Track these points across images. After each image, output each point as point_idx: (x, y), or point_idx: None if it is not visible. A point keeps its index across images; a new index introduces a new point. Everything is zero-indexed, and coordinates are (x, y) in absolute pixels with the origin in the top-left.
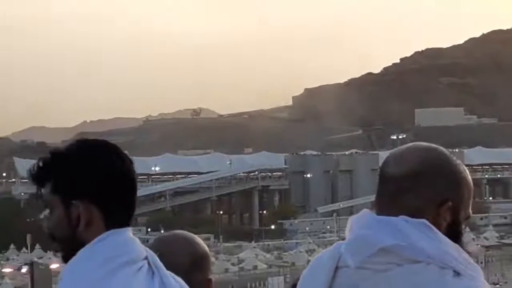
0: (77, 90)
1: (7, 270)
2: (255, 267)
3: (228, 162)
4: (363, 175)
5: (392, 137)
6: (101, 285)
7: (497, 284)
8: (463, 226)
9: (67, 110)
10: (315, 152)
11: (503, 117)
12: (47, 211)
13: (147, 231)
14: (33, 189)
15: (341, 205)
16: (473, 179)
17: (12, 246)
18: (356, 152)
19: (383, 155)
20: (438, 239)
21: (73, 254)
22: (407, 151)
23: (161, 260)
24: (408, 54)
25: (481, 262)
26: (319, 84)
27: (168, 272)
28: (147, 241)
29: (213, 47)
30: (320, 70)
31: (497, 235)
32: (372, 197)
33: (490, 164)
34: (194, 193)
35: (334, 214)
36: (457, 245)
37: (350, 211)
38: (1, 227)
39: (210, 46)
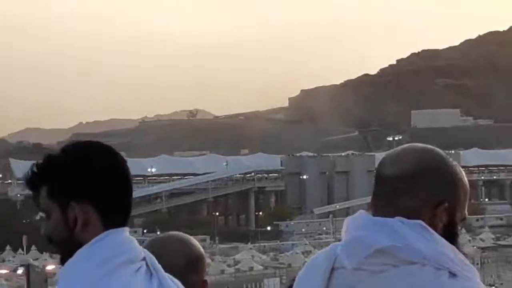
0: (73, 91)
1: (2, 271)
2: (251, 269)
3: (224, 164)
4: (359, 176)
5: (388, 138)
6: (100, 285)
7: (493, 285)
8: (459, 228)
9: (63, 111)
10: (311, 154)
11: (499, 119)
12: (43, 215)
13: (143, 233)
14: (29, 191)
15: (337, 206)
16: (469, 181)
17: (8, 247)
18: (352, 154)
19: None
20: (434, 240)
21: (71, 256)
22: (403, 152)
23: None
24: (405, 56)
25: (477, 264)
26: (315, 85)
27: (166, 274)
28: (143, 242)
29: (209, 49)
30: (316, 71)
31: (493, 236)
32: (369, 199)
33: (486, 166)
34: (190, 195)
35: (330, 216)
36: (453, 246)
37: (347, 212)
38: None
39: (207, 47)
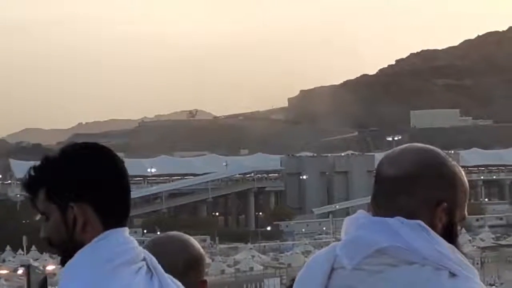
0: (73, 91)
1: (3, 271)
2: (251, 269)
3: (224, 164)
4: (358, 176)
5: (387, 138)
6: (101, 286)
7: (493, 285)
8: (459, 228)
9: (63, 111)
10: (310, 154)
11: (499, 119)
12: (43, 217)
13: (143, 233)
14: (27, 194)
15: (337, 206)
16: (468, 181)
17: (8, 247)
18: (351, 154)
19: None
20: (433, 240)
21: (71, 257)
22: (402, 153)
23: None
24: (404, 56)
25: (477, 263)
26: (314, 86)
27: (166, 274)
28: (143, 242)
29: (209, 49)
30: (315, 72)
31: (493, 236)
32: (368, 199)
33: (486, 166)
34: (190, 195)
35: (330, 216)
36: (452, 246)
37: (346, 212)
38: None
39: (206, 48)
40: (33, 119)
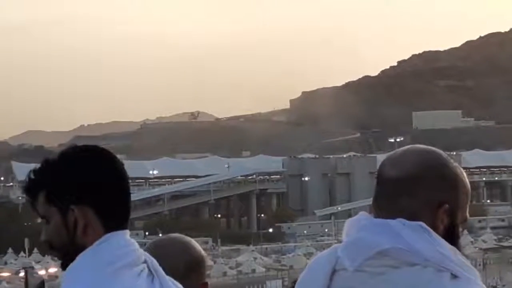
0: (75, 93)
1: (5, 274)
2: (253, 271)
3: (226, 166)
4: (361, 178)
5: (389, 140)
6: None
7: (496, 287)
8: (461, 229)
9: (65, 114)
10: (312, 155)
11: (501, 120)
12: (43, 220)
13: (144, 235)
14: (27, 197)
15: (339, 208)
16: (470, 182)
17: (10, 250)
18: (353, 155)
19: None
20: (435, 242)
21: (72, 260)
22: (404, 154)
23: None
24: (406, 57)
25: (479, 265)
26: (316, 87)
27: (167, 277)
28: (145, 245)
29: (211, 51)
30: (317, 73)
31: (495, 237)
32: (370, 200)
33: (488, 167)
34: (192, 197)
35: (332, 217)
36: (454, 247)
37: (348, 214)
38: None
39: (208, 50)
40: (35, 121)
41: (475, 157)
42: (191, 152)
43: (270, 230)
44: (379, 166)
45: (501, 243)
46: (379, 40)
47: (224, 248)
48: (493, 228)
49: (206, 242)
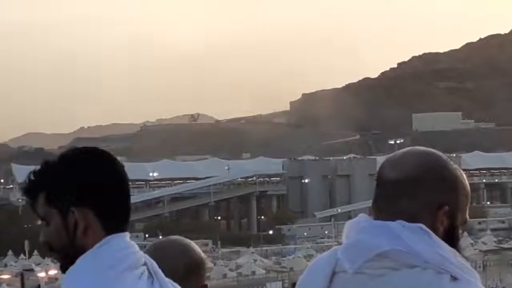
0: (74, 95)
1: (5, 276)
2: (253, 273)
3: (226, 168)
4: (360, 180)
5: (389, 142)
6: None
7: None
8: (460, 231)
9: (65, 116)
10: (312, 157)
11: (501, 122)
12: (43, 222)
13: (145, 237)
14: (27, 199)
15: (339, 210)
16: (470, 184)
17: (10, 252)
18: (353, 157)
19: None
20: (435, 244)
21: (72, 262)
22: (404, 156)
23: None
24: (406, 59)
25: (479, 267)
26: (316, 89)
27: (167, 279)
28: (145, 247)
29: (211, 52)
30: (317, 75)
31: (495, 239)
32: (370, 202)
33: (488, 169)
34: (192, 199)
35: (332, 219)
36: (454, 249)
37: (348, 216)
38: None
39: (208, 52)
40: (35, 123)
41: (475, 159)
42: (191, 154)
43: (270, 232)
44: (379, 168)
45: (501, 245)
46: (379, 41)
47: (224, 250)
48: (493, 230)
49: (206, 244)
